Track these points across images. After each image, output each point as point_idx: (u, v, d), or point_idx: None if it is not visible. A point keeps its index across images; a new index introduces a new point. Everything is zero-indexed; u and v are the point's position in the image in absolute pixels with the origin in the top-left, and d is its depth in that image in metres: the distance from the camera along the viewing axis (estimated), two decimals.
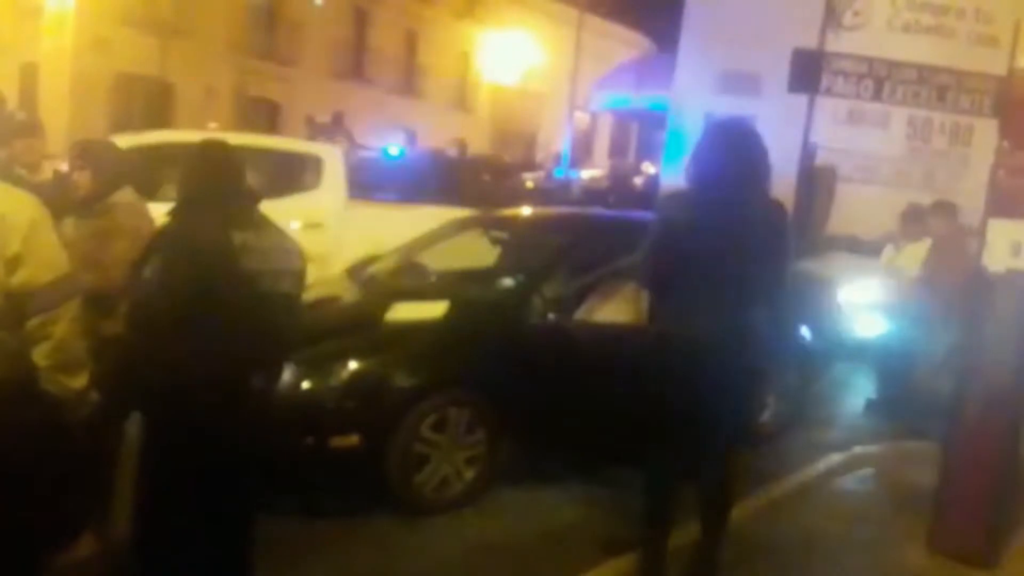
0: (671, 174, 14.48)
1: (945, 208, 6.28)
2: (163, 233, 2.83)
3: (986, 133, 10.65)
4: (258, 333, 2.71)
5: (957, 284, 5.77)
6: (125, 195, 3.50)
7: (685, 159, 3.30)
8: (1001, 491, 3.85)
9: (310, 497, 4.01)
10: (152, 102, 18.55)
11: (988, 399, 3.76)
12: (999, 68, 10.36)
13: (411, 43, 25.96)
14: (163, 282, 2.65)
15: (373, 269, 5.37)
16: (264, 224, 2.85)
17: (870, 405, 6.50)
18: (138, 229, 3.25)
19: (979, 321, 3.81)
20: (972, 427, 3.82)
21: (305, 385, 3.95)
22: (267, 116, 21.57)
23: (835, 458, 5.13)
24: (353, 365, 4.00)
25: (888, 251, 6.68)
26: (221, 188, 2.76)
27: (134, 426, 2.97)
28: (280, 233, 2.92)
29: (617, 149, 30.43)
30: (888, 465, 5.09)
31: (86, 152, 3.55)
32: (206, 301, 2.61)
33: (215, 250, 2.64)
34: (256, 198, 2.93)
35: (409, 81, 25.60)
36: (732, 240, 3.14)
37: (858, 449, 5.33)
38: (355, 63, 23.79)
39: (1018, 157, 3.76)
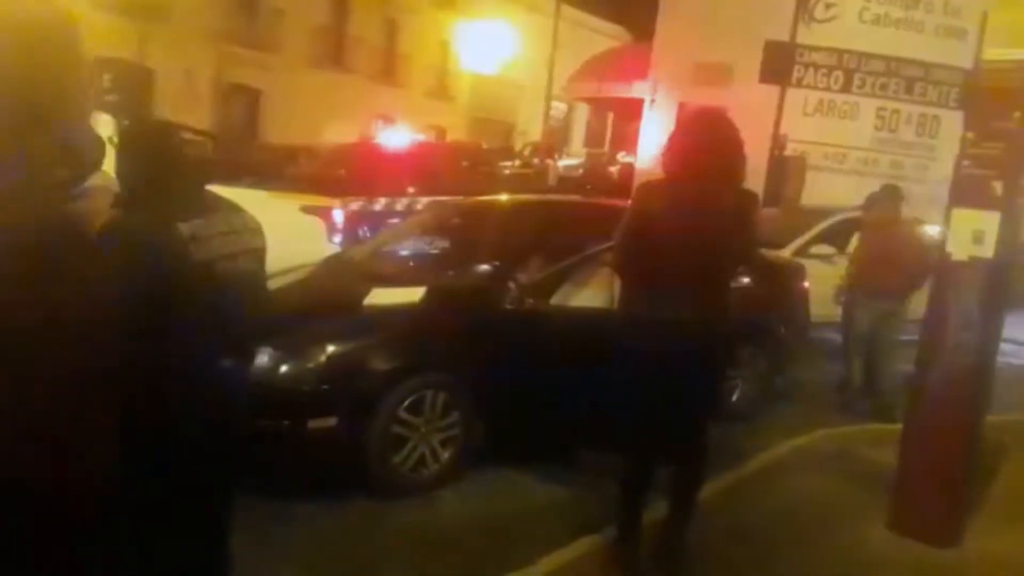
0: (646, 163, 14.59)
1: (890, 191, 6.45)
2: (108, 229, 2.69)
3: (952, 124, 10.86)
4: (219, 319, 2.62)
5: (878, 263, 5.99)
6: (101, 178, 3.49)
7: (661, 148, 3.37)
8: (960, 471, 3.94)
9: (288, 479, 4.06)
10: (132, 87, 18.37)
11: (948, 381, 3.87)
12: (966, 61, 10.58)
13: (391, 32, 25.87)
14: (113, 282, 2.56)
15: (352, 254, 5.41)
16: (215, 207, 2.72)
17: (837, 387, 6.66)
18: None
19: (940, 305, 3.92)
20: (932, 409, 3.93)
21: (283, 369, 3.98)
22: (247, 103, 21.41)
23: (801, 439, 5.26)
24: (331, 349, 4.04)
25: (855, 239, 6.83)
26: (163, 177, 2.60)
27: None
28: (234, 212, 2.77)
29: (594, 138, 30.51)
30: (853, 446, 5.21)
31: None
32: (159, 300, 2.50)
33: (160, 244, 2.50)
34: (204, 180, 2.83)
35: (389, 69, 25.51)
36: (705, 228, 3.22)
37: (824, 430, 5.47)
38: (335, 51, 23.66)
39: (982, 148, 3.84)
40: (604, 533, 3.64)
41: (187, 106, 16.21)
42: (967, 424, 3.91)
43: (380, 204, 8.65)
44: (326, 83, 21.65)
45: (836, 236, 8.13)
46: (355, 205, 8.31)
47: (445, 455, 4.25)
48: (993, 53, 3.46)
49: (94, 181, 3.54)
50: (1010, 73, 3.53)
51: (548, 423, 4.66)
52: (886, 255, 6.04)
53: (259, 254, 2.82)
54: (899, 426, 4.19)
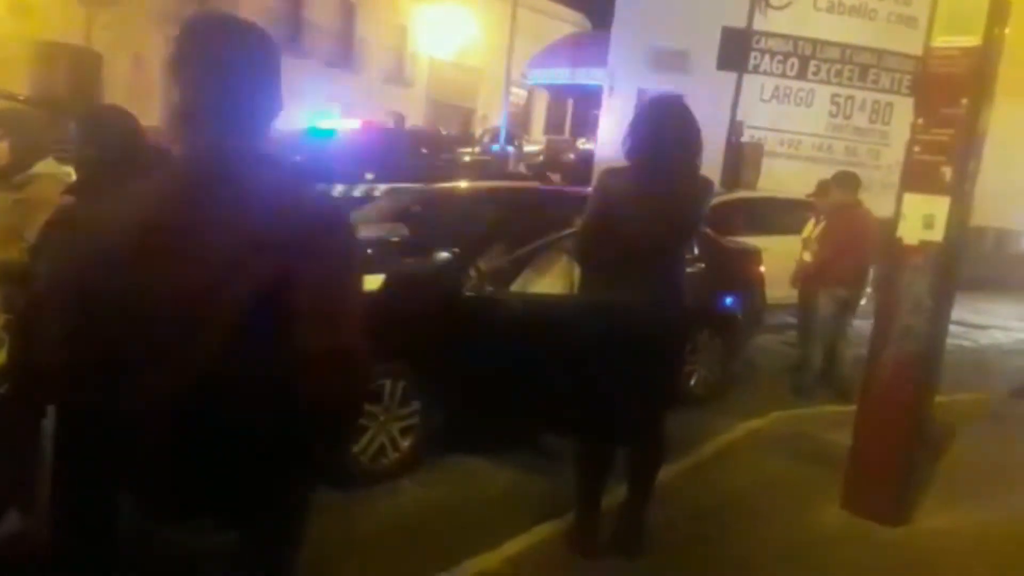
0: (605, 149, 14.63)
1: (845, 178, 6.55)
2: (64, 213, 2.50)
3: (905, 111, 11.05)
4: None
5: (842, 250, 6.09)
6: (47, 166, 3.42)
7: (622, 134, 3.38)
8: (911, 452, 4.04)
9: None
10: (79, 72, 17.87)
11: (898, 364, 3.94)
12: (917, 48, 10.75)
13: (347, 16, 25.51)
14: (68, 268, 2.48)
15: None
16: None
17: (793, 370, 6.77)
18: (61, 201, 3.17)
19: (893, 289, 3.99)
20: (883, 391, 4.01)
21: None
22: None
23: (758, 422, 5.34)
24: None
25: (809, 224, 6.93)
26: (120, 162, 2.55)
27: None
28: None
29: (553, 125, 30.50)
30: (808, 428, 5.31)
31: (4, 121, 3.44)
32: (119, 284, 2.47)
33: (114, 231, 2.49)
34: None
35: (346, 54, 25.17)
36: (664, 213, 3.24)
37: (779, 413, 5.56)
38: (291, 36, 23.26)
39: (932, 134, 3.90)
40: (565, 518, 3.66)
41: (138, 92, 15.82)
42: (916, 405, 3.99)
43: (336, 191, 8.56)
44: (282, 67, 21.34)
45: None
46: None
47: (405, 444, 4.24)
48: (941, 40, 3.51)
49: (40, 169, 3.49)
50: (957, 60, 3.59)
51: (509, 410, 4.66)
52: (847, 242, 6.13)
53: None
54: (854, 408, 4.27)
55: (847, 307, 6.32)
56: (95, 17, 17.73)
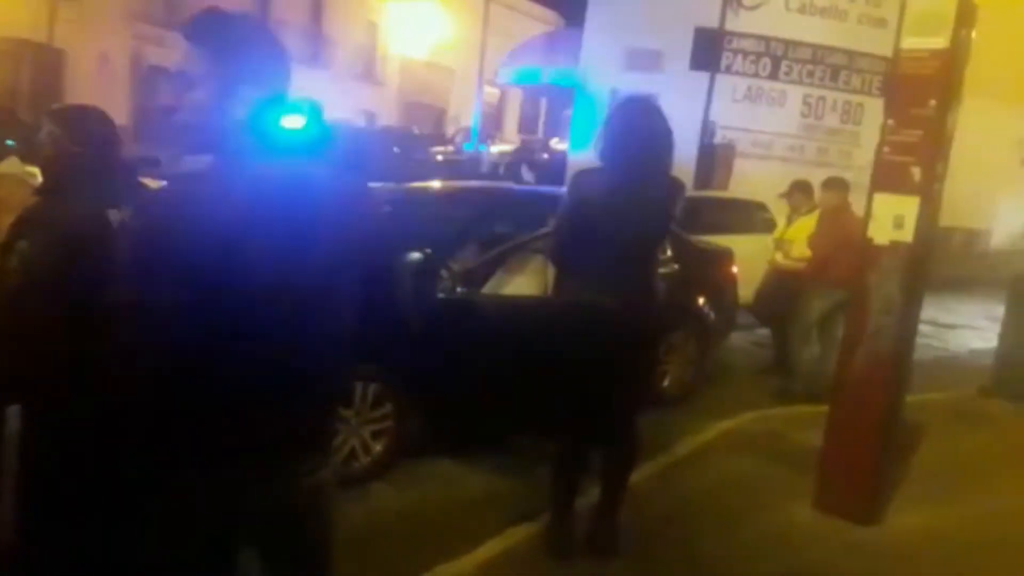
0: (578, 149, 14.65)
1: (836, 183, 6.59)
2: (31, 215, 2.53)
3: (875, 112, 11.17)
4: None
5: (836, 251, 6.12)
6: (10, 166, 3.34)
7: (595, 135, 3.37)
8: (882, 452, 4.07)
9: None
10: (41, 70, 17.55)
11: (869, 364, 3.97)
12: (887, 49, 10.87)
13: (316, 13, 25.34)
14: (34, 270, 2.40)
15: None
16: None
17: (765, 371, 6.80)
18: (24, 201, 3.09)
19: (864, 289, 4.02)
20: (854, 390, 4.04)
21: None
22: (168, 85, 20.74)
23: (731, 422, 5.36)
24: None
25: (781, 224, 6.96)
26: (91, 163, 2.52)
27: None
28: None
29: (527, 124, 30.51)
30: (781, 428, 5.34)
31: None
32: (82, 283, 2.45)
33: (89, 230, 2.40)
34: (134, 170, 2.74)
35: (315, 52, 24.97)
36: (636, 214, 3.24)
37: (753, 413, 5.58)
38: None
39: (901, 134, 3.93)
40: (539, 520, 3.64)
41: (103, 91, 15.56)
42: (888, 405, 4.02)
43: None
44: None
45: None
46: None
47: (377, 447, 4.19)
48: (910, 42, 3.55)
49: (3, 168, 3.40)
50: (926, 61, 3.62)
51: (482, 412, 4.63)
52: (840, 243, 6.12)
53: None
54: (826, 408, 4.29)
55: (841, 308, 6.31)
56: (58, 13, 17.42)
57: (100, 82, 17.24)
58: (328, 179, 1.76)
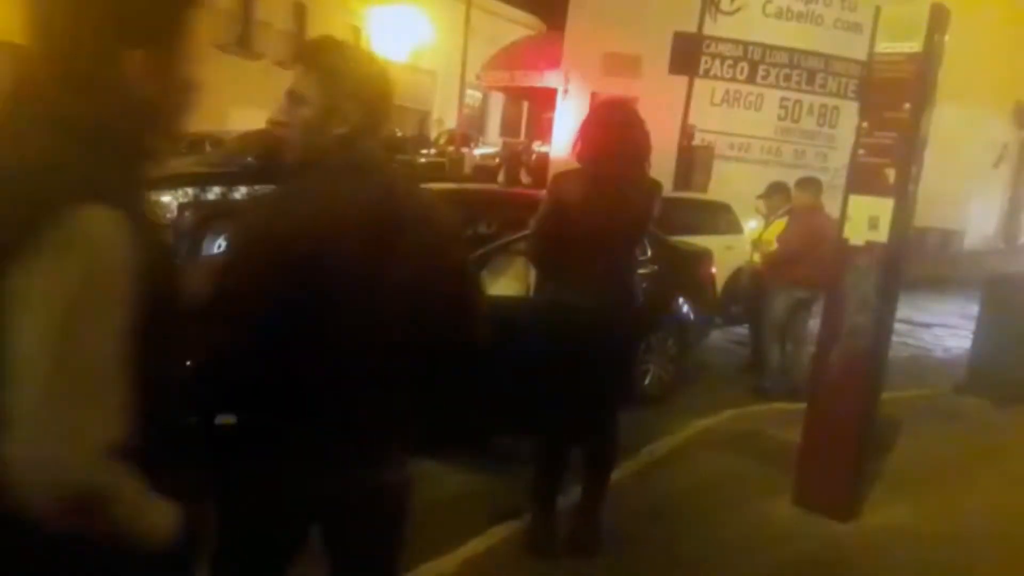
0: (560, 152, 14.70)
1: (809, 183, 6.67)
2: None
3: (851, 115, 11.28)
4: None
5: (803, 251, 6.20)
6: None
7: (573, 137, 3.40)
8: (860, 448, 4.12)
9: (195, 478, 3.93)
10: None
11: (846, 362, 4.02)
12: (862, 53, 10.99)
13: (299, 16, 25.25)
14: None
15: None
16: None
17: (744, 369, 6.86)
18: None
19: (840, 289, 4.07)
20: (831, 388, 4.09)
21: (187, 364, 3.87)
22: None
23: (710, 420, 5.41)
24: None
25: (757, 226, 7.04)
26: None
27: None
28: (155, 211, 2.81)
29: (509, 127, 30.54)
30: (760, 425, 5.39)
31: None
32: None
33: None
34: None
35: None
36: (613, 216, 3.27)
37: (732, 411, 5.63)
38: (242, 36, 22.95)
39: (876, 137, 3.98)
40: (521, 519, 3.66)
41: None
42: (864, 402, 4.07)
43: (214, 193, 8.30)
44: (232, 67, 20.97)
45: None
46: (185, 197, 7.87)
47: None
48: (884, 46, 3.61)
49: None
50: (900, 65, 3.68)
51: (463, 412, 4.65)
52: (808, 243, 6.20)
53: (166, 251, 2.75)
54: (804, 405, 4.34)
55: (803, 307, 6.41)
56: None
57: None
58: (407, 190, 1.86)
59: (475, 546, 3.52)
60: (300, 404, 1.74)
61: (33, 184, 1.12)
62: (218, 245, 6.20)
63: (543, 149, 17.89)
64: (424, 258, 1.77)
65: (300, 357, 1.71)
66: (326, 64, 1.83)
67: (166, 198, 7.54)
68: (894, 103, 3.89)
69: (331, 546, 1.96)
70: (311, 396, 1.74)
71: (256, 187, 8.03)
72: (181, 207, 7.07)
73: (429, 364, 1.95)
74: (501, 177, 16.08)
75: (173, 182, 7.94)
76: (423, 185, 6.35)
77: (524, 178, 15.86)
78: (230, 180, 8.32)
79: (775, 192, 7.01)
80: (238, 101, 15.41)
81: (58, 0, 1.27)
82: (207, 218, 7.06)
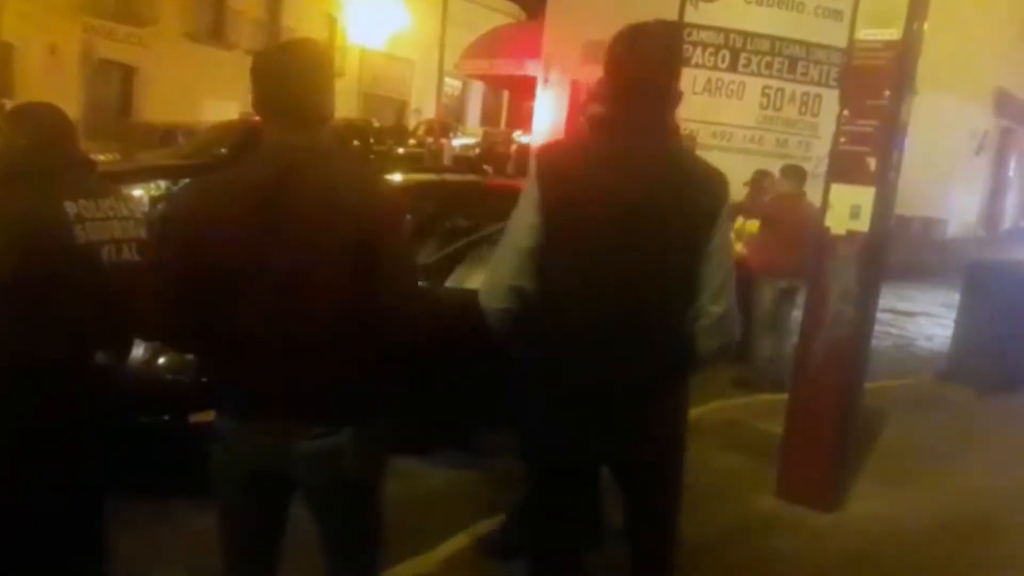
0: (540, 139, 14.61)
1: (793, 171, 6.65)
2: None
3: (833, 103, 11.27)
4: (99, 307, 2.53)
5: (786, 241, 6.18)
6: None
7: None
8: (842, 438, 4.11)
9: (172, 477, 3.86)
10: None
11: (828, 352, 4.00)
12: (843, 41, 10.97)
13: (273, 4, 24.98)
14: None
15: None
16: (103, 192, 2.65)
17: (729, 360, 6.82)
18: None
19: (822, 278, 4.05)
20: (814, 378, 4.07)
21: (161, 361, 3.79)
22: (121, 79, 20.28)
23: (692, 412, 5.35)
24: None
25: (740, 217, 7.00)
26: (49, 156, 2.53)
27: None
28: (122, 200, 2.73)
29: (489, 116, 30.43)
30: (744, 417, 5.37)
31: None
32: (37, 277, 2.39)
33: (45, 222, 2.42)
34: (92, 165, 2.74)
35: (272, 44, 24.61)
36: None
37: (715, 403, 5.60)
38: (215, 25, 22.66)
39: (857, 125, 3.96)
40: (502, 516, 3.60)
41: (53, 84, 15.18)
42: (847, 392, 4.07)
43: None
44: (205, 58, 20.74)
45: None
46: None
47: None
48: (864, 33, 3.59)
49: None
50: (880, 53, 3.66)
51: (444, 408, 4.59)
52: (791, 232, 6.16)
53: (143, 245, 2.71)
54: (786, 396, 4.32)
55: (787, 297, 6.38)
56: (6, 5, 16.94)
57: (49, 76, 16.81)
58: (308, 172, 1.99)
59: (454, 544, 3.48)
60: (243, 365, 1.96)
61: None
62: None
63: (524, 139, 17.80)
64: (317, 235, 1.88)
65: (232, 322, 1.92)
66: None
67: (137, 192, 7.39)
68: (874, 91, 3.88)
69: (310, 509, 2.17)
70: (249, 359, 1.95)
71: None
72: (153, 200, 6.97)
73: (371, 338, 2.01)
74: (502, 168, 15.92)
75: (145, 175, 7.80)
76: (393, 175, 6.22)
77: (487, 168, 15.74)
78: (203, 172, 8.15)
79: (761, 180, 6.97)
80: (211, 92, 15.25)
81: None
82: None
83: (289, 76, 1.97)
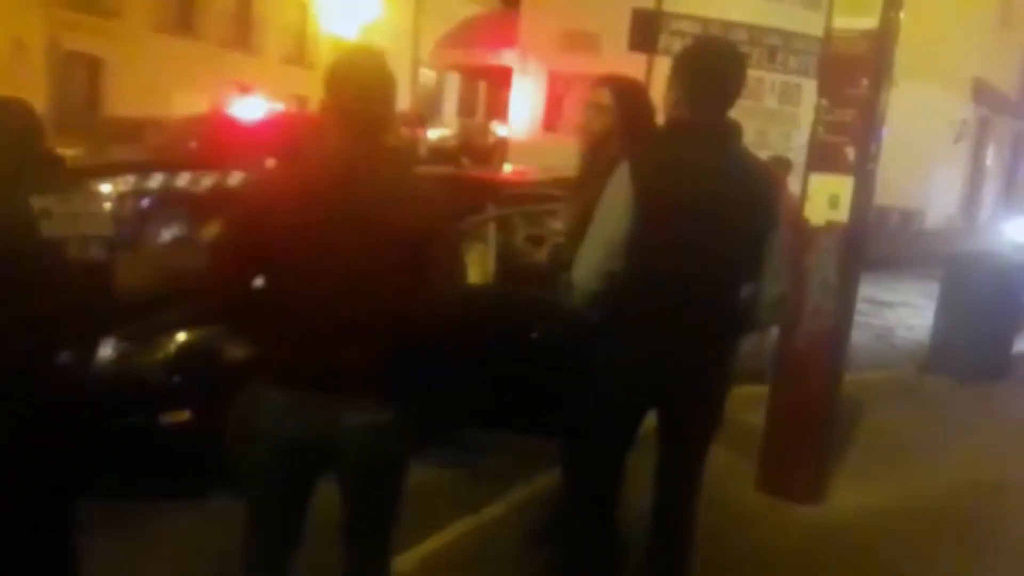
0: (518, 131, 14.54)
1: (779, 163, 6.62)
2: None
3: (812, 93, 11.27)
4: (64, 304, 2.50)
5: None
6: None
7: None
8: (824, 430, 4.09)
9: (140, 479, 3.78)
10: None
11: (808, 343, 3.98)
12: (821, 30, 10.96)
13: None
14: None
15: (207, 233, 5.06)
16: (70, 187, 2.63)
17: None
18: None
19: (799, 270, 4.01)
20: (794, 370, 4.05)
21: (130, 360, 3.70)
22: (88, 72, 19.92)
23: None
24: (182, 337, 3.76)
25: None
26: (16, 151, 2.53)
27: None
28: (89, 197, 2.73)
29: (466, 107, 30.24)
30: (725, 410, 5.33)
31: None
32: (1, 270, 2.37)
33: (9, 216, 2.42)
34: (60, 160, 2.72)
35: (243, 35, 24.24)
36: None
37: None
38: (183, 15, 22.28)
39: (835, 114, 3.93)
40: (481, 514, 3.60)
41: (17, 78, 14.87)
42: (827, 384, 4.04)
43: (156, 181, 7.97)
44: (174, 50, 20.40)
45: None
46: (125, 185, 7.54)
47: None
48: (840, 21, 3.56)
49: None
50: (856, 41, 3.64)
51: (428, 403, 4.52)
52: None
53: (110, 242, 2.73)
54: (766, 388, 4.29)
55: None
56: None
57: (15, 69, 16.48)
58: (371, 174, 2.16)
59: (435, 542, 3.42)
60: (300, 341, 2.10)
61: None
62: (166, 233, 5.98)
63: (502, 131, 17.69)
64: (373, 231, 2.04)
65: (284, 307, 2.09)
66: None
67: (105, 186, 7.22)
68: (852, 80, 3.86)
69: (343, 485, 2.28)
70: (306, 336, 2.08)
71: (199, 174, 7.75)
72: (121, 196, 6.82)
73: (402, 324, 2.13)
74: (480, 160, 15.75)
75: (112, 169, 7.64)
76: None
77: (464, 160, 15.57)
78: (172, 167, 8.00)
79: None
80: (181, 84, 15.00)
81: None
82: (152, 207, 6.83)
83: (356, 86, 2.11)
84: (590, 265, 2.48)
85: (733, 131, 2.53)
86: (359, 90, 2.11)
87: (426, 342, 2.23)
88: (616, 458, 2.80)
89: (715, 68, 2.53)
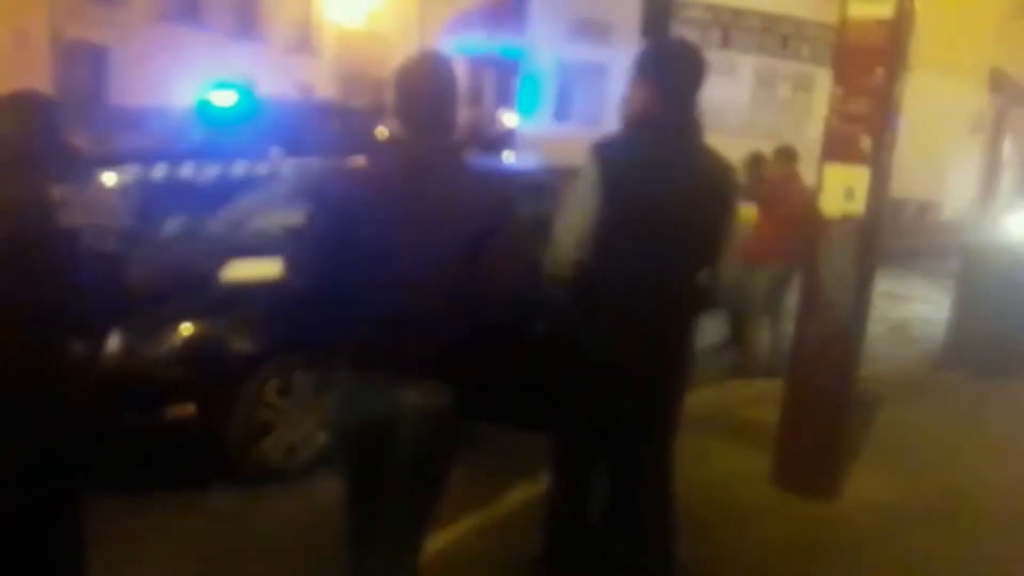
0: (526, 120, 14.45)
1: (785, 153, 6.51)
2: None
3: (826, 81, 11.11)
4: (79, 294, 2.55)
5: (777, 224, 6.04)
6: None
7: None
8: (838, 425, 4.03)
9: (144, 473, 3.75)
10: None
11: (823, 338, 3.92)
12: (835, 17, 10.81)
13: None
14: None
15: (209, 225, 5.01)
16: (86, 178, 2.66)
17: (721, 347, 6.73)
18: None
19: (816, 263, 3.94)
20: (809, 365, 3.99)
21: (135, 352, 3.66)
22: (93, 61, 19.85)
23: (688, 398, 5.26)
24: (186, 329, 3.72)
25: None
26: (35, 143, 2.56)
27: None
28: (104, 189, 2.73)
29: (474, 96, 30.09)
30: (734, 405, 5.28)
31: None
32: (20, 259, 2.38)
33: (28, 205, 2.44)
34: (79, 153, 2.72)
35: (248, 23, 24.11)
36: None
37: (709, 390, 5.50)
38: (188, 4, 22.16)
39: (850, 103, 3.86)
40: (483, 512, 3.59)
41: (21, 70, 14.80)
42: (842, 379, 3.99)
43: (161, 171, 7.90)
44: (179, 39, 20.30)
45: None
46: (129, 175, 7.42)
47: (322, 438, 4.00)
48: (855, 10, 3.49)
49: None
50: (872, 30, 3.57)
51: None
52: (783, 218, 6.01)
53: (122, 234, 2.73)
54: (779, 383, 4.24)
55: (784, 282, 6.20)
56: None
57: (19, 60, 16.43)
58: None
59: (437, 540, 3.36)
60: (372, 324, 2.23)
61: None
62: (172, 224, 5.92)
63: (509, 120, 17.59)
64: (439, 223, 2.19)
65: (360, 294, 2.21)
66: None
67: (110, 176, 7.18)
68: (867, 69, 3.80)
69: (388, 462, 2.32)
70: (377, 319, 2.22)
71: (203, 163, 7.71)
72: (125, 186, 6.78)
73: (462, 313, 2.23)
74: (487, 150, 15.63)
75: (117, 159, 7.59)
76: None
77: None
78: (177, 157, 7.94)
79: (758, 164, 6.79)
80: (187, 73, 14.84)
81: None
82: (156, 198, 6.77)
83: (423, 88, 2.27)
84: (561, 255, 2.66)
85: (696, 128, 2.73)
86: (425, 93, 2.26)
87: (480, 330, 2.31)
88: (592, 446, 2.94)
89: (688, 69, 2.71)
